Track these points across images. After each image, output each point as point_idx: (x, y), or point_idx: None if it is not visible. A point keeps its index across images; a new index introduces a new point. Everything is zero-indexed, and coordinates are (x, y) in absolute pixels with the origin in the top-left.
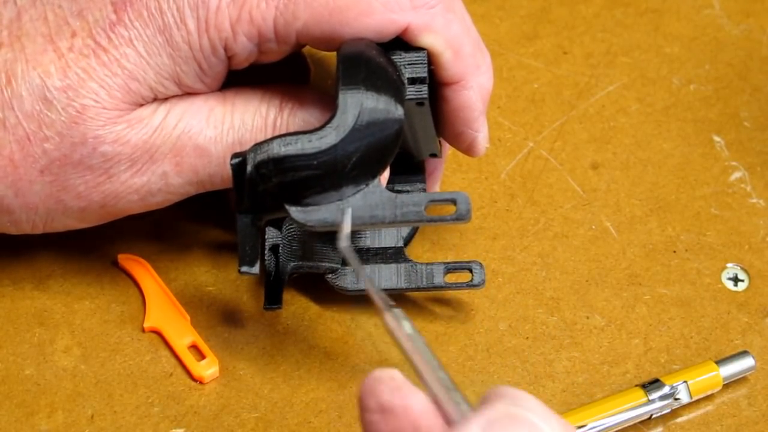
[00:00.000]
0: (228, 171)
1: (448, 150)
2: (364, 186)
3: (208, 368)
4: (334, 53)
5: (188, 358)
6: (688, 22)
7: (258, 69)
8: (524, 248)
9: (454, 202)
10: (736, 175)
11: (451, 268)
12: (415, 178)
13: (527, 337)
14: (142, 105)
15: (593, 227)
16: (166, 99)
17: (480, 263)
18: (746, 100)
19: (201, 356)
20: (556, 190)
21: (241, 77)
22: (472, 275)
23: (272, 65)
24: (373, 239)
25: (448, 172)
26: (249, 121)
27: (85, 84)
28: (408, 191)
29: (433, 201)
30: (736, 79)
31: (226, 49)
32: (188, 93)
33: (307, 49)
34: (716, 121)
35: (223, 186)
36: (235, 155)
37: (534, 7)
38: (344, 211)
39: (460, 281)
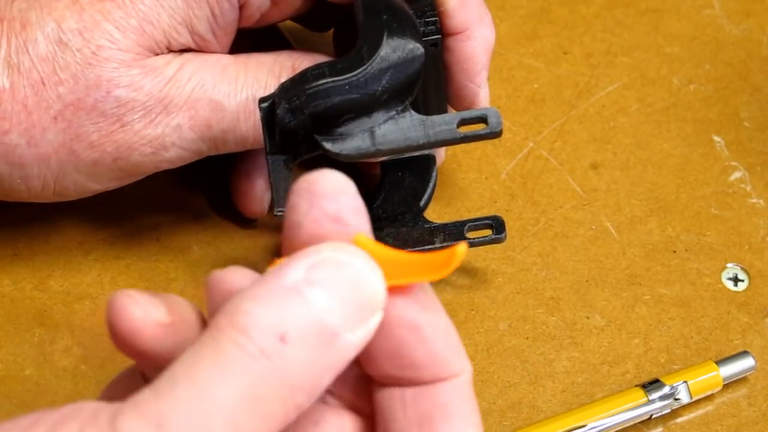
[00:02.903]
0: (240, 130)
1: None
2: (394, 112)
3: None
4: (323, 44)
5: None
6: (688, 22)
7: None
8: (524, 248)
9: (484, 119)
10: (736, 175)
11: (472, 226)
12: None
13: (527, 337)
14: (156, 54)
15: (593, 227)
16: (180, 54)
17: (501, 218)
18: (746, 100)
19: None
20: (556, 190)
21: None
22: (493, 229)
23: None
24: (391, 206)
25: (447, 173)
26: (262, 79)
27: (100, 25)
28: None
29: (463, 119)
30: (736, 79)
31: None
32: (201, 50)
33: (296, 40)
34: (716, 121)
35: (235, 147)
36: (263, 99)
37: (534, 7)
38: (376, 137)
39: (482, 236)
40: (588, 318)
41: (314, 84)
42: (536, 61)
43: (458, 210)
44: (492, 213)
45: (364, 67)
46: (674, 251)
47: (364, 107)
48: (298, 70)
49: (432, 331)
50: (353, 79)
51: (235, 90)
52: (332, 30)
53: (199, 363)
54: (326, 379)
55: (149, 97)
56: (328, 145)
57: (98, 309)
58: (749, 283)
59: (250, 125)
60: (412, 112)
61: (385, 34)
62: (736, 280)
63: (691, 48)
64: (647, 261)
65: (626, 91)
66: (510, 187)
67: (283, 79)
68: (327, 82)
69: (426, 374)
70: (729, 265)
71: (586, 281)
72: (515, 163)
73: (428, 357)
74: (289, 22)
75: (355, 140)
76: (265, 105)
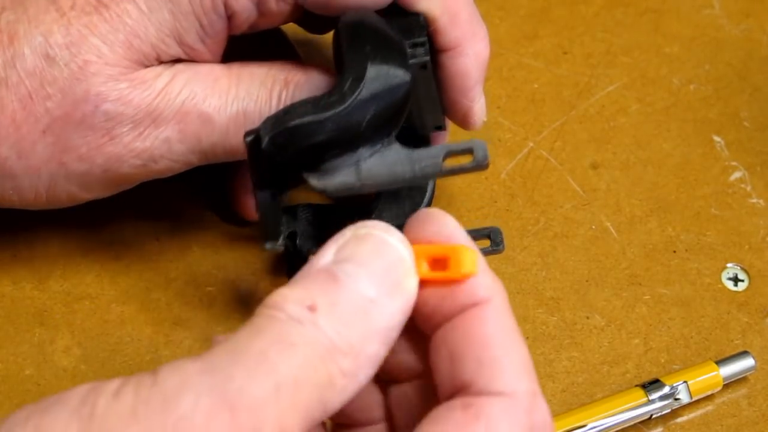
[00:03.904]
0: (230, 143)
1: (450, 123)
2: (380, 146)
3: None
4: (323, 46)
5: None
6: (688, 22)
7: (252, 58)
8: (524, 248)
9: (471, 150)
10: (736, 175)
11: (471, 236)
12: None
13: (527, 337)
14: (145, 66)
15: (593, 227)
16: (171, 65)
17: (499, 230)
18: (746, 100)
19: None
20: (556, 190)
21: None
22: (492, 241)
23: (265, 55)
24: (388, 217)
25: None
26: (254, 93)
27: (87, 40)
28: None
29: (449, 152)
30: (736, 79)
31: (225, 5)
32: (191, 59)
33: (300, 48)
34: (716, 121)
35: (225, 158)
36: (248, 133)
37: (534, 7)
38: (361, 171)
39: (481, 248)
40: (588, 318)
41: (297, 121)
42: (536, 61)
43: (458, 210)
44: (492, 213)
45: (347, 104)
46: (674, 251)
47: (348, 143)
48: (291, 83)
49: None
50: (336, 116)
51: (226, 103)
52: (332, 31)
53: (232, 337)
54: (372, 346)
55: (138, 110)
56: (313, 181)
57: (98, 309)
58: (749, 283)
59: (240, 139)
60: (398, 145)
61: (369, 65)
62: (736, 280)
63: (691, 48)
64: (647, 261)
65: (626, 91)
66: (510, 187)
67: (275, 91)
68: (310, 120)
69: (450, 302)
70: (729, 265)
71: (586, 281)
72: (515, 163)
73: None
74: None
75: (340, 175)
76: (249, 139)
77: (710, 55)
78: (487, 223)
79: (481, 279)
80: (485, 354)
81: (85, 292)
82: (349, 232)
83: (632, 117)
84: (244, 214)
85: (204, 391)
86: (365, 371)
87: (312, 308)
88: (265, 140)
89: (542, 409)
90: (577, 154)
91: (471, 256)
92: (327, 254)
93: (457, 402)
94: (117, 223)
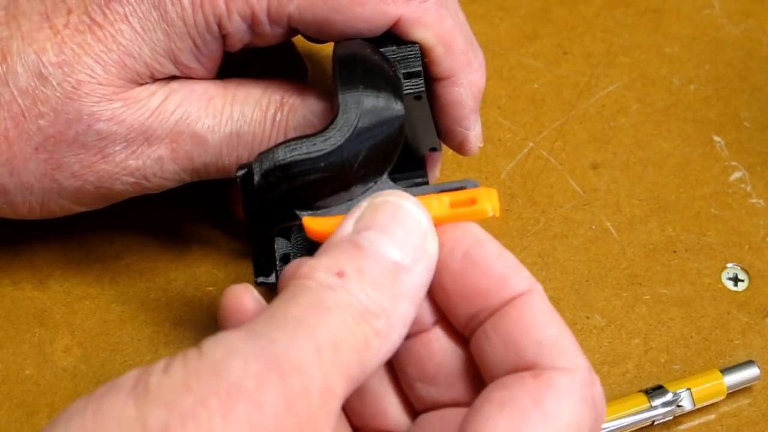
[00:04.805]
0: (223, 162)
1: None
2: (373, 184)
3: None
4: (330, 54)
5: None
6: (688, 22)
7: (256, 66)
8: (524, 248)
9: (464, 189)
10: (736, 175)
11: (443, 191)
12: (417, 173)
13: None
14: (139, 84)
15: (593, 227)
16: (165, 84)
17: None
18: (746, 100)
19: None
20: (556, 190)
21: (241, 71)
22: None
23: (270, 63)
24: None
25: (448, 172)
26: (248, 114)
27: (81, 59)
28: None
29: (442, 191)
30: (736, 79)
31: (219, 26)
32: (186, 76)
33: (304, 50)
34: (716, 121)
35: (217, 176)
36: (240, 167)
37: (534, 7)
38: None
39: None
40: (588, 318)
41: (290, 158)
42: (536, 61)
43: None
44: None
45: (340, 144)
46: (674, 251)
47: (341, 181)
48: (287, 106)
49: (481, 253)
50: (329, 158)
51: (219, 124)
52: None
53: (269, 307)
54: (402, 307)
55: (131, 130)
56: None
57: (98, 309)
58: (749, 283)
59: (232, 159)
60: (391, 183)
61: (362, 101)
62: (736, 280)
63: (691, 48)
64: (647, 261)
65: (626, 91)
66: (510, 187)
67: (270, 112)
68: (303, 161)
69: (494, 299)
70: (729, 265)
71: (586, 281)
72: (515, 163)
73: (487, 278)
74: None
75: (333, 213)
76: (241, 173)
77: (710, 55)
78: (487, 224)
79: (521, 272)
80: (544, 335)
81: (85, 292)
82: (365, 203)
83: (632, 117)
84: (240, 216)
85: (251, 357)
86: (398, 331)
87: (340, 274)
88: (257, 176)
89: (598, 382)
90: (577, 154)
91: (496, 197)
92: (347, 226)
93: (525, 373)
94: (117, 222)
